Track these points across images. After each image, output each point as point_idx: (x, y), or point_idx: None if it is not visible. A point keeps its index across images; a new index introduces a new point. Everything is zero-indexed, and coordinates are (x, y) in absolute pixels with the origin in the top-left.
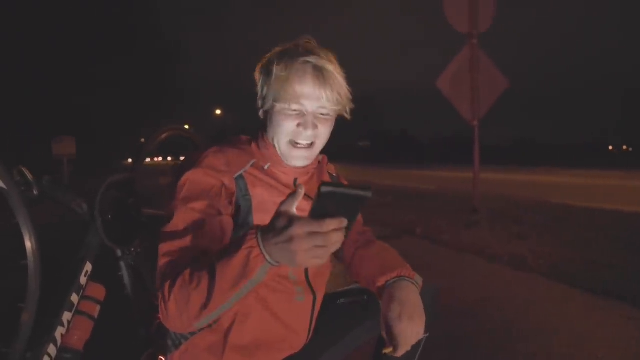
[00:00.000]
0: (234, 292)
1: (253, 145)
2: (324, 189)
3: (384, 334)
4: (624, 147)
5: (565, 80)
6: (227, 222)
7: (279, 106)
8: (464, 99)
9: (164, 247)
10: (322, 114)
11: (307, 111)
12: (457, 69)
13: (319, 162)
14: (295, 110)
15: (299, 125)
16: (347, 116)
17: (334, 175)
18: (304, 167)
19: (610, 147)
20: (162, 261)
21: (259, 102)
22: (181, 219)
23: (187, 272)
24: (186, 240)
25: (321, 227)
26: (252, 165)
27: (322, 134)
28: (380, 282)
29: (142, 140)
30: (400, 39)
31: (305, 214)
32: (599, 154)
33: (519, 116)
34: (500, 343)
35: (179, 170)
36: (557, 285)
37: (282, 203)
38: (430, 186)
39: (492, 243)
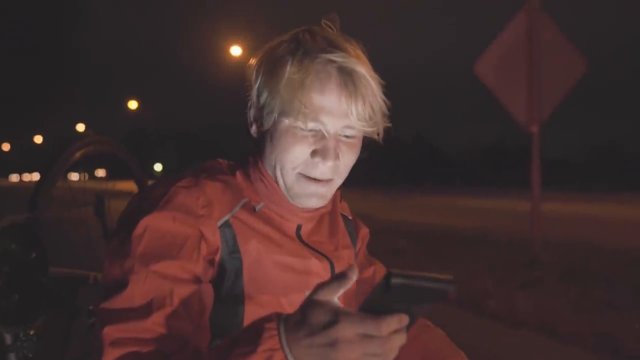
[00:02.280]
0: None
1: (238, 175)
2: (394, 280)
3: None
4: None
5: None
6: (207, 292)
7: (287, 123)
8: (518, 92)
9: (111, 333)
10: (347, 136)
11: (328, 133)
12: (507, 46)
13: (325, 207)
14: (311, 131)
15: (315, 153)
16: (379, 139)
17: (349, 218)
18: (312, 211)
19: None
20: (108, 356)
21: (253, 114)
22: (138, 288)
23: None
24: (147, 323)
25: (379, 328)
26: (242, 207)
27: (345, 165)
28: None
29: (6, 148)
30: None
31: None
32: None
33: (591, 116)
34: None
35: (131, 212)
36: None
37: (319, 287)
38: (463, 223)
39: (565, 315)
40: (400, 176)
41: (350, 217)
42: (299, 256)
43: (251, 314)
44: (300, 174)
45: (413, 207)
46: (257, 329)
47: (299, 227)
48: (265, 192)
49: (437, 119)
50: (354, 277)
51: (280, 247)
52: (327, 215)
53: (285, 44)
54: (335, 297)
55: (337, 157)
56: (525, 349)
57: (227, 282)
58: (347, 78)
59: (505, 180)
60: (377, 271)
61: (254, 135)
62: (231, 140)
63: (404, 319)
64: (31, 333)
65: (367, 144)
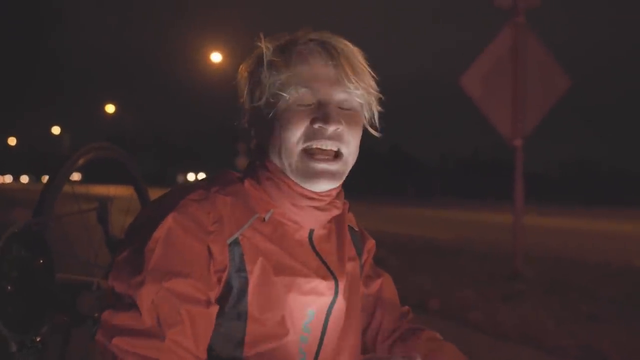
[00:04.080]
0: None
1: (247, 183)
2: None
3: None
4: None
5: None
6: (213, 315)
7: (283, 104)
8: (502, 106)
9: (124, 346)
10: (345, 108)
11: (325, 100)
12: (493, 60)
13: (337, 208)
14: (308, 105)
15: (315, 120)
16: (374, 124)
17: (356, 230)
18: (325, 207)
19: None
20: None
21: (249, 117)
22: (150, 305)
23: None
24: (162, 341)
25: None
26: (252, 223)
27: (351, 140)
28: None
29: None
30: (391, 13)
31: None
32: None
33: (575, 130)
34: None
35: (141, 224)
36: None
37: None
38: (445, 235)
39: (549, 327)
40: (379, 186)
41: (356, 229)
42: (306, 276)
43: (253, 331)
44: (304, 150)
45: (392, 217)
46: None
47: (311, 232)
48: (276, 191)
49: (416, 130)
50: None
51: (287, 266)
52: (336, 226)
53: (269, 44)
54: None
55: (339, 121)
56: None
57: (231, 299)
58: (330, 48)
59: (485, 193)
60: (384, 283)
61: (254, 137)
62: (209, 146)
63: None
64: (37, 340)
65: None
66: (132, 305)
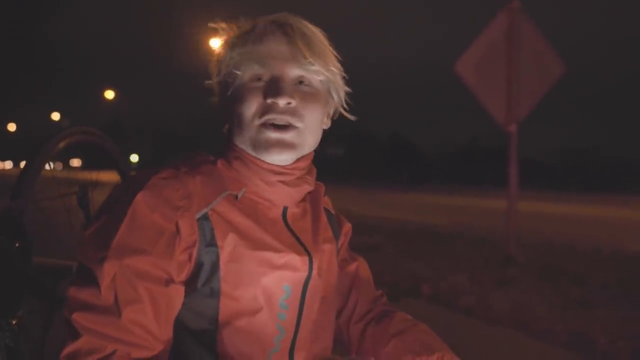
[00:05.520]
0: None
1: (219, 164)
2: None
3: None
4: None
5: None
6: (177, 293)
7: (238, 81)
8: (497, 91)
9: (81, 321)
10: (301, 84)
11: (275, 75)
12: (487, 46)
13: (311, 192)
14: (259, 79)
15: (267, 94)
16: (342, 106)
17: (332, 213)
18: (293, 182)
19: None
20: (75, 344)
21: (217, 97)
22: (110, 281)
23: None
24: (118, 318)
25: None
26: (222, 199)
27: (306, 114)
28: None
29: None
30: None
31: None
32: None
33: (573, 118)
34: None
35: (109, 203)
36: None
37: None
38: (439, 220)
39: (540, 312)
40: (377, 173)
41: (333, 212)
42: (278, 250)
43: (227, 307)
44: (260, 124)
45: (389, 203)
46: None
47: (284, 210)
48: (243, 169)
49: (416, 117)
50: None
51: (260, 240)
52: (311, 206)
53: (234, 27)
54: None
55: (291, 96)
56: (500, 345)
57: (203, 276)
58: (286, 27)
59: (480, 179)
60: (360, 267)
61: (224, 117)
62: (206, 134)
63: None
64: (13, 323)
65: (342, 139)
66: (94, 281)
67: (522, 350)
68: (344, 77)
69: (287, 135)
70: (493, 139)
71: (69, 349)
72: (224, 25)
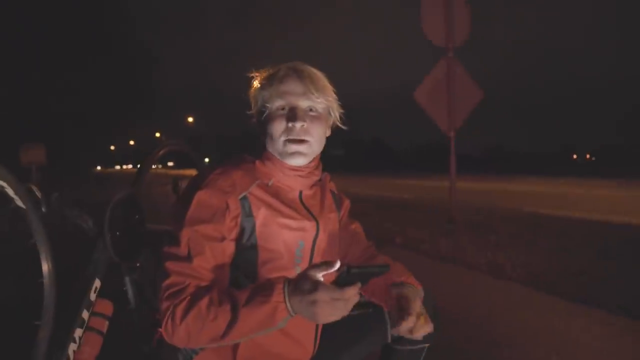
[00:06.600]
0: (251, 334)
1: (257, 163)
2: (353, 270)
3: (391, 310)
4: (588, 157)
5: (556, 88)
6: (229, 247)
7: (268, 110)
8: (441, 110)
9: (170, 266)
10: (310, 111)
11: (293, 106)
12: (434, 81)
13: (321, 180)
14: (283, 109)
15: (288, 119)
16: (338, 121)
17: (336, 193)
18: (306, 175)
19: (574, 156)
20: (168, 280)
21: (256, 119)
22: (186, 241)
23: (204, 303)
24: (191, 263)
25: (343, 295)
26: (256, 185)
27: (314, 132)
28: (388, 282)
29: (112, 148)
30: (371, 53)
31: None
32: (565, 163)
33: (499, 124)
34: (484, 349)
35: (186, 191)
36: (535, 292)
37: (311, 267)
38: (407, 195)
39: (470, 252)
40: (364, 166)
41: (336, 192)
42: (294, 218)
43: (262, 257)
44: (285, 140)
45: (373, 185)
46: (272, 285)
47: (300, 193)
48: (273, 167)
49: (392, 127)
50: (334, 267)
51: (281, 212)
52: (319, 190)
53: (264, 73)
54: (320, 274)
55: (304, 120)
56: (445, 275)
57: (245, 235)
58: (300, 71)
59: (433, 168)
60: (356, 227)
61: (260, 133)
62: (252, 142)
63: (359, 285)
64: (137, 265)
65: (342, 143)
66: (177, 242)
67: (458, 277)
68: (338, 102)
69: (302, 147)
70: (440, 140)
71: (165, 283)
72: (257, 73)
